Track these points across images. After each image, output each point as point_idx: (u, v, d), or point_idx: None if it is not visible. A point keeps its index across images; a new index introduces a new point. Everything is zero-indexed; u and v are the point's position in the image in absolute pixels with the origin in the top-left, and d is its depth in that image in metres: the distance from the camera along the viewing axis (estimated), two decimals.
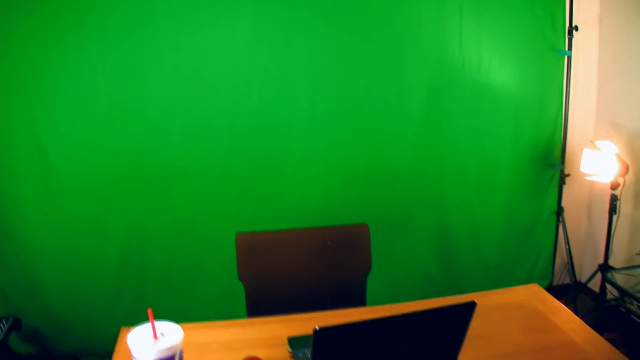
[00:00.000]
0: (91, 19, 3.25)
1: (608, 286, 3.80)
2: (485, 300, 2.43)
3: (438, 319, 1.74)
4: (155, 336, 1.65)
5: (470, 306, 1.73)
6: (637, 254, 4.00)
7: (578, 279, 4.53)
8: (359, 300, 2.72)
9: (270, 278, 2.65)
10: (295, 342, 2.04)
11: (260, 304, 2.58)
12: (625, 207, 4.05)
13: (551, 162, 4.24)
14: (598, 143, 3.80)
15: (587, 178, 3.92)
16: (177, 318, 1.75)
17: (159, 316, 1.70)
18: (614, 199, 3.83)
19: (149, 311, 1.65)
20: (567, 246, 4.32)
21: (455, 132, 3.95)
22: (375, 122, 3.77)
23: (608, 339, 3.70)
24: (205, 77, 3.45)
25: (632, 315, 3.40)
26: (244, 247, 2.59)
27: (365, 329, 1.62)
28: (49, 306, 3.50)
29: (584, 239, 4.62)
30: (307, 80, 3.59)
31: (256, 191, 3.64)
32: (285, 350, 2.02)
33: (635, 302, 3.27)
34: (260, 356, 1.91)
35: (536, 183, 4.27)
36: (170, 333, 1.68)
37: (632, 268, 3.67)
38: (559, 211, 4.33)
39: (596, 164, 3.81)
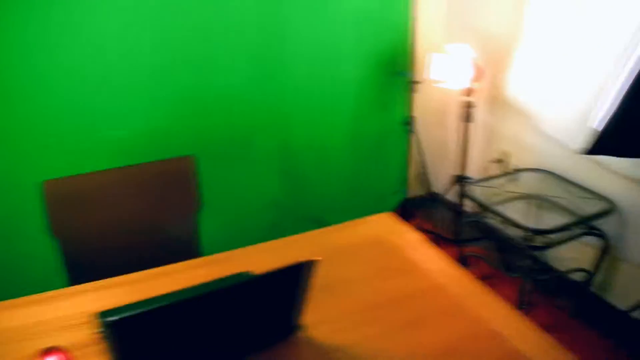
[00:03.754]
0: None
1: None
2: (335, 238, 2.15)
3: (265, 286, 1.42)
4: None
5: (307, 266, 1.40)
6: (491, 161, 3.84)
7: (436, 190, 4.33)
8: (191, 244, 2.40)
9: (87, 231, 2.24)
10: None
11: (79, 265, 2.18)
12: (481, 114, 3.85)
13: (399, 69, 3.94)
14: (448, 47, 3.51)
15: (436, 85, 3.63)
16: None
17: None
18: (468, 107, 3.58)
19: None
20: (420, 157, 4.10)
21: (292, 48, 3.55)
22: (204, 43, 3.29)
23: (473, 256, 3.62)
24: None
25: (493, 229, 3.19)
26: (54, 197, 2.15)
27: (173, 312, 1.26)
28: None
29: (440, 149, 4.40)
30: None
31: (70, 126, 3.10)
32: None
33: (494, 215, 3.06)
34: (64, 343, 1.50)
35: (384, 93, 4.00)
36: None
37: (488, 179, 3.46)
38: (410, 121, 4.06)
39: (446, 69, 3.52)
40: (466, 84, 3.48)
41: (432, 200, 4.17)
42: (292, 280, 1.45)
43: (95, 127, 3.16)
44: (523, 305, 3.03)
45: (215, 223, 3.22)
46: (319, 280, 1.54)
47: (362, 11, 3.70)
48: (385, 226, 2.22)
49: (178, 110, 3.32)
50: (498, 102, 3.73)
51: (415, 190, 4.43)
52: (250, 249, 2.06)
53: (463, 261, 3.60)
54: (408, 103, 4.05)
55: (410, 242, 2.09)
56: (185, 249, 2.30)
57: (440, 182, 4.32)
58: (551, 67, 3.27)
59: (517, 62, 3.45)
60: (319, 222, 3.97)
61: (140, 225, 2.35)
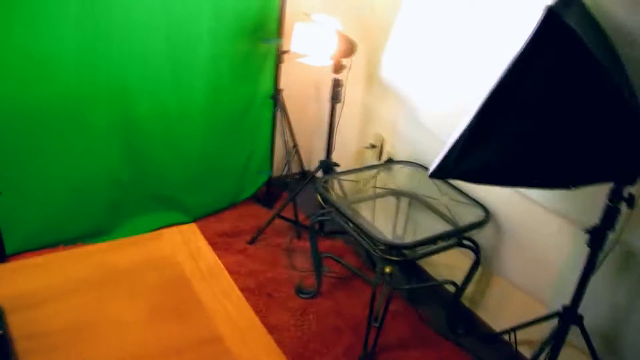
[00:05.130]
0: None
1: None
2: (113, 258, 1.68)
3: None
4: None
5: None
6: (366, 147, 3.48)
7: (308, 170, 3.92)
8: None
9: None
10: None
11: None
12: (358, 93, 3.50)
13: (265, 36, 3.44)
14: (314, 16, 3.04)
15: (299, 60, 3.15)
16: None
17: None
18: (336, 85, 3.15)
19: None
20: (285, 136, 3.72)
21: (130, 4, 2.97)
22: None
23: (329, 256, 3.21)
24: None
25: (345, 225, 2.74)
26: None
27: None
28: None
29: (313, 126, 3.98)
30: None
31: None
32: None
33: (342, 217, 2.62)
34: None
35: (246, 62, 3.47)
36: None
37: (356, 171, 3.08)
38: (276, 95, 3.61)
39: (309, 40, 3.06)
40: (329, 59, 3.03)
41: (302, 181, 3.75)
42: None
43: None
44: (374, 321, 2.60)
45: (39, 203, 3.09)
46: (67, 317, 1.27)
47: None
48: (183, 243, 1.75)
49: None
50: (375, 82, 3.36)
51: (285, 169, 4.02)
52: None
53: (317, 259, 3.14)
54: (275, 74, 3.59)
55: (203, 269, 1.63)
56: None
57: (314, 161, 3.90)
58: (427, 54, 2.92)
59: (392, 42, 3.08)
60: (170, 202, 3.51)
61: None
